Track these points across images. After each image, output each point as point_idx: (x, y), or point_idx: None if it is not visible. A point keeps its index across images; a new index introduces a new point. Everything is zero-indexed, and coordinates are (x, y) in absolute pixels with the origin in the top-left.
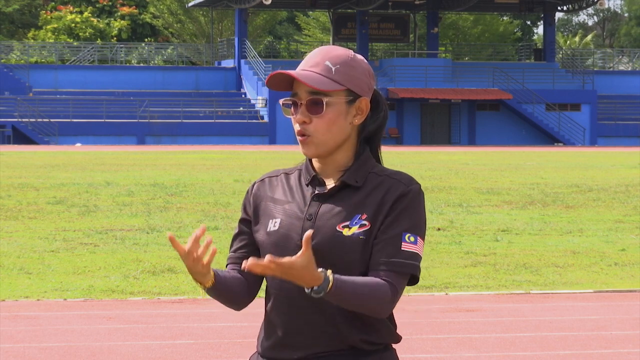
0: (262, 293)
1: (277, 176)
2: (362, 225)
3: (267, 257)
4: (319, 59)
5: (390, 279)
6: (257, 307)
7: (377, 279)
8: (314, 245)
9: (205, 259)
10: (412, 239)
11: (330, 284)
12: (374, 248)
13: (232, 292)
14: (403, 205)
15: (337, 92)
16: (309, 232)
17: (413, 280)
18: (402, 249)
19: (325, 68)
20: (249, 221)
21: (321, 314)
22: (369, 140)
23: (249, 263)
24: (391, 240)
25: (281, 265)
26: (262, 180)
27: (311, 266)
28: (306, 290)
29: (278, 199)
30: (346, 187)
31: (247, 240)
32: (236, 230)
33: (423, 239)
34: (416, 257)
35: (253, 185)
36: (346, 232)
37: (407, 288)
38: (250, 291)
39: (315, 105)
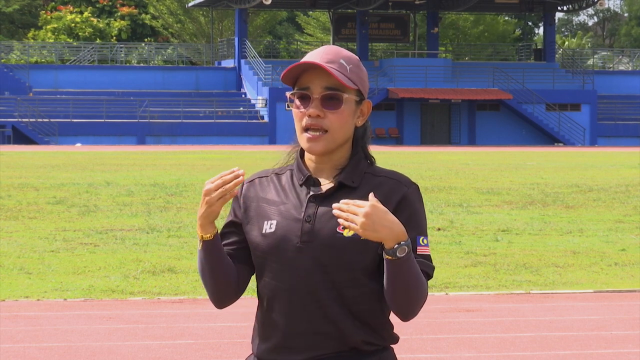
0: (254, 293)
1: (267, 176)
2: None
3: (343, 201)
4: (332, 56)
5: None
6: (256, 307)
7: None
8: (314, 247)
9: (228, 195)
10: (425, 241)
11: (410, 246)
12: None
13: (224, 264)
14: (410, 208)
15: (351, 90)
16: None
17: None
18: (419, 252)
19: (341, 66)
20: (239, 224)
21: (324, 315)
22: (361, 143)
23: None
24: None
25: (361, 204)
26: (252, 181)
27: (393, 215)
28: (390, 248)
29: (271, 199)
30: (343, 187)
31: (234, 238)
32: (222, 230)
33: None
34: (430, 259)
35: (242, 187)
36: (346, 233)
37: None
38: (238, 285)
39: (332, 100)
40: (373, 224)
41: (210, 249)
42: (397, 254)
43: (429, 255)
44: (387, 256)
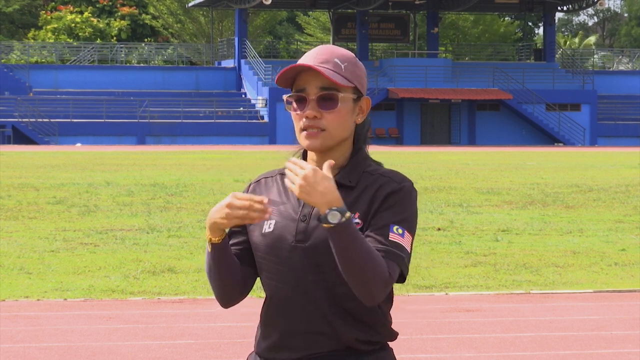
0: (254, 293)
1: (272, 177)
2: (355, 224)
3: (308, 162)
4: (327, 56)
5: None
6: (257, 307)
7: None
8: (308, 246)
9: (247, 218)
10: (399, 230)
11: (348, 214)
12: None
13: (231, 265)
14: (394, 200)
15: (347, 88)
16: (331, 162)
17: (401, 278)
18: (390, 238)
19: (335, 65)
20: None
21: (317, 314)
22: (362, 141)
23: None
24: (379, 230)
25: (304, 165)
26: (258, 181)
27: (333, 183)
28: (323, 214)
29: (273, 200)
30: (340, 187)
31: (240, 239)
32: (231, 229)
33: (412, 234)
34: (402, 249)
35: (249, 187)
36: None
37: (406, 288)
38: (244, 285)
39: (328, 100)
40: (308, 186)
41: (218, 252)
42: (329, 219)
43: (401, 244)
44: (322, 224)
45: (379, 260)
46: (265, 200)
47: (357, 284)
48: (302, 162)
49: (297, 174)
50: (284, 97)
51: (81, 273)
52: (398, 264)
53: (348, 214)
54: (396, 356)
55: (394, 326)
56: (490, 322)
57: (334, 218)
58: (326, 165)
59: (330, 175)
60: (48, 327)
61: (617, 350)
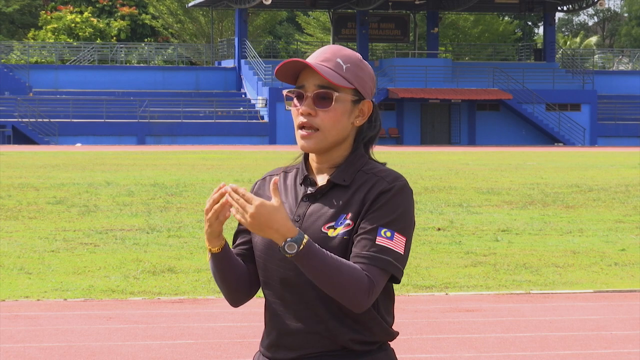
0: (262, 294)
1: (277, 175)
2: (346, 225)
3: (231, 187)
4: (329, 55)
5: (366, 271)
6: (257, 306)
7: (355, 265)
8: None
9: (226, 213)
10: (388, 234)
11: (305, 240)
12: (353, 244)
13: (234, 270)
14: (384, 201)
15: (345, 89)
16: (275, 179)
17: (394, 280)
18: (377, 242)
19: (336, 64)
20: None
21: (313, 314)
22: (364, 145)
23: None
24: (367, 234)
25: (250, 200)
26: (264, 179)
27: (284, 213)
28: (280, 247)
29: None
30: (335, 186)
31: (246, 238)
32: (238, 228)
33: (404, 235)
34: (389, 253)
35: (255, 185)
36: (331, 232)
37: (406, 288)
38: (251, 285)
39: (323, 99)
40: (259, 224)
41: (219, 260)
42: (287, 251)
43: (388, 248)
44: (284, 255)
45: (353, 272)
46: (221, 184)
47: (337, 297)
48: (248, 195)
49: (245, 210)
50: (284, 92)
51: (81, 273)
52: (384, 269)
53: (305, 240)
54: (397, 357)
55: (394, 326)
56: (490, 322)
57: (292, 249)
58: (272, 189)
59: (279, 203)
60: (48, 327)
61: (617, 350)
